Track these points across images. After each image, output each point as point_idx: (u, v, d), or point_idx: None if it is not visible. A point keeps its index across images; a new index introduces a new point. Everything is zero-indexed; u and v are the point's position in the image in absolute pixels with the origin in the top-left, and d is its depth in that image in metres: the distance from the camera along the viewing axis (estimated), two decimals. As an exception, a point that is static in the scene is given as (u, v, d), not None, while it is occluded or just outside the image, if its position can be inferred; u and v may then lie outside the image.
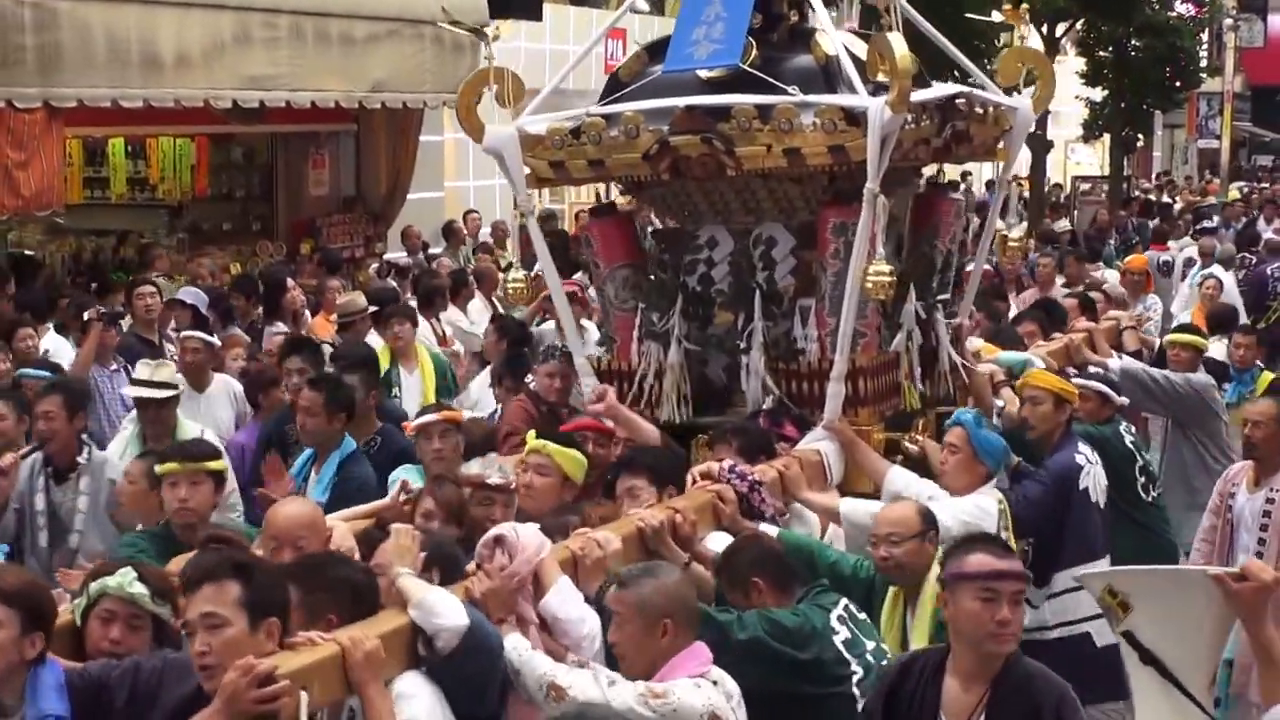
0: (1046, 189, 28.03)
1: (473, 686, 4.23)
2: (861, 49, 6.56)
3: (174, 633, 4.39)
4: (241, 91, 13.13)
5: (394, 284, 10.98)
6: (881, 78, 6.21)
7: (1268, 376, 9.69)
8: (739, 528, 5.55)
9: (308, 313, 11.67)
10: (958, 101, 6.79)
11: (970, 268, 7.82)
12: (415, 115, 15.96)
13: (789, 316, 6.64)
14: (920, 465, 6.43)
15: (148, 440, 7.26)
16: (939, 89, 6.77)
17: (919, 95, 6.34)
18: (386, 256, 16.28)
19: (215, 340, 9.78)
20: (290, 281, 12.29)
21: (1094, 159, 38.26)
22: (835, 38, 6.58)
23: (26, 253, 14.34)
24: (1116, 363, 8.60)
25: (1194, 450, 8.32)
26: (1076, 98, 30.52)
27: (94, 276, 13.54)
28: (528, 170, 6.66)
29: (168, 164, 16.60)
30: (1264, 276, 14.41)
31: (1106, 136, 30.13)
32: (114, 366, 9.11)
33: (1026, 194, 25.59)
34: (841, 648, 4.87)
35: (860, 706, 4.75)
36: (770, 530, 5.58)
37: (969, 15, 21.61)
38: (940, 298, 7.14)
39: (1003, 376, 7.47)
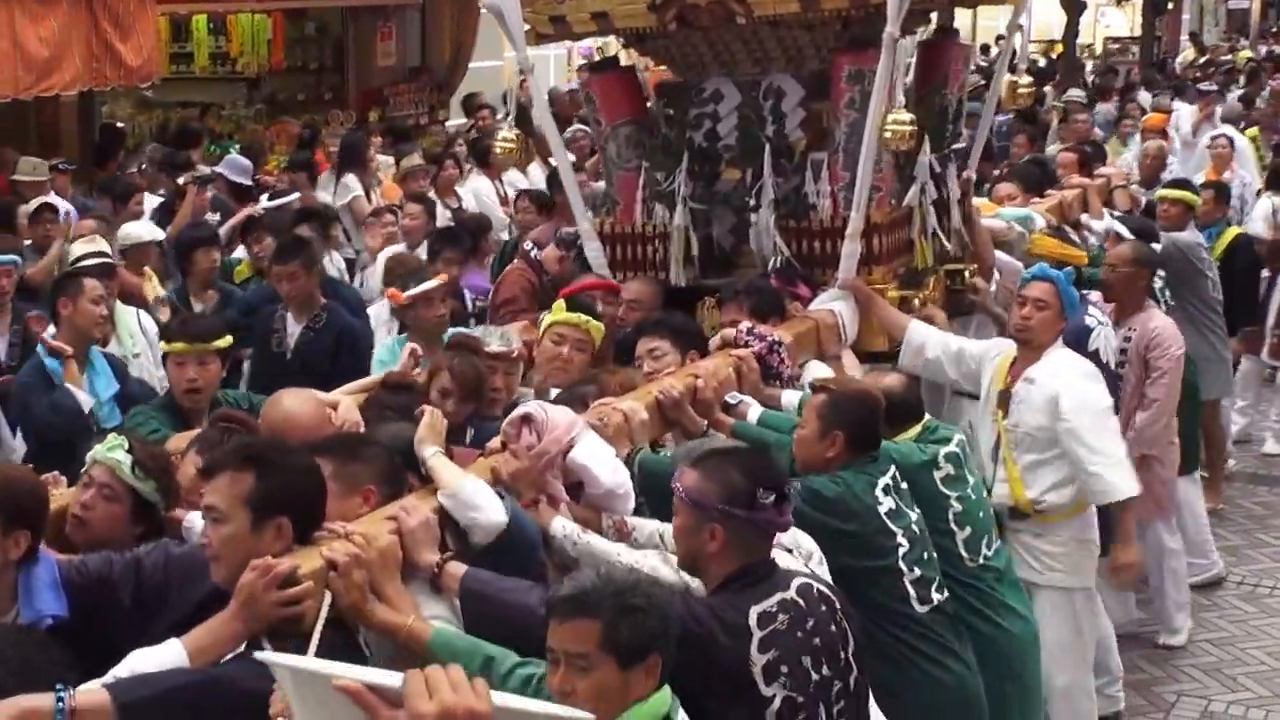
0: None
1: None
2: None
3: (170, 521, 3.77)
4: (313, -33, 12.82)
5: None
6: None
7: (1233, 231, 8.92)
8: (762, 395, 4.81)
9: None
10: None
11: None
12: (476, -14, 15.42)
13: (799, 171, 5.79)
14: None
15: None
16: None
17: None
18: (448, 124, 15.77)
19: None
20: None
21: (1124, 21, 36.44)
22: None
23: (118, 125, 13.83)
24: (1102, 223, 7.76)
25: (1181, 308, 7.41)
26: (1108, -38, 28.99)
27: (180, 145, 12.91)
28: (527, 26, 5.82)
29: (246, 39, 16.45)
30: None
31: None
32: None
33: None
34: (886, 519, 4.11)
35: (906, 580, 4.11)
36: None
37: None
38: (953, 148, 6.30)
39: (1014, 233, 6.66)
